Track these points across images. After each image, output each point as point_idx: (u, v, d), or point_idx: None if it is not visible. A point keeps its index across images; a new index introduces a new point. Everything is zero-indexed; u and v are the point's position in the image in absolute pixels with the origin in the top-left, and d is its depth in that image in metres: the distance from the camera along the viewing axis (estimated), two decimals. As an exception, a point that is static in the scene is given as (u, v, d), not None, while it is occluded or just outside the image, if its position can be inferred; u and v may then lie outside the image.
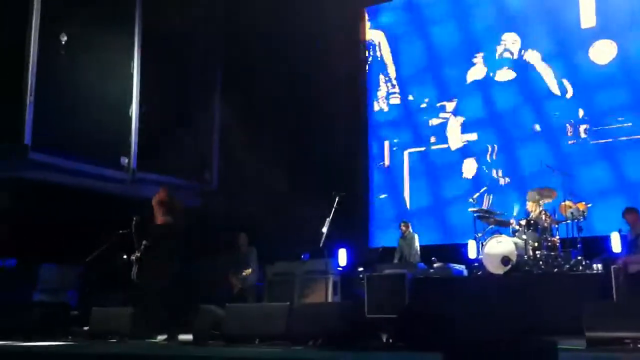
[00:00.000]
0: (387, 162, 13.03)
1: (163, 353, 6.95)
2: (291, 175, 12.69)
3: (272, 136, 13.10)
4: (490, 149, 12.09)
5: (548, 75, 11.72)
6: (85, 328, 8.58)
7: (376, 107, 13.32)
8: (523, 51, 11.99)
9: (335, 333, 6.92)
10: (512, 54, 12.09)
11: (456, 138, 12.40)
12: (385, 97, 13.20)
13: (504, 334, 5.19)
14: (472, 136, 12.27)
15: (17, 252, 9.90)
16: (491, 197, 11.53)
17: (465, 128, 12.38)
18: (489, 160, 12.10)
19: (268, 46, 12.80)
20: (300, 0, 12.52)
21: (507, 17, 12.28)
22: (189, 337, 7.96)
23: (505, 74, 12.14)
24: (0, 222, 9.88)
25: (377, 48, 13.44)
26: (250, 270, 10.34)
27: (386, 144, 13.07)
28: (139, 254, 7.94)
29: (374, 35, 13.51)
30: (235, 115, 13.34)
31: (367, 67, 13.46)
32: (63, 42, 11.12)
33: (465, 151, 12.32)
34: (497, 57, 12.23)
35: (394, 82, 13.15)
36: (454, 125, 12.44)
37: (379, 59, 13.36)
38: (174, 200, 8.21)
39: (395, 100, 13.10)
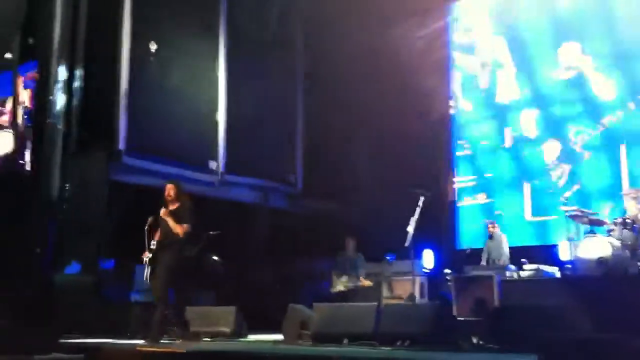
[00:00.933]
0: (507, 143, 12.85)
1: (253, 350, 7.07)
2: (377, 174, 12.63)
3: (357, 136, 13.11)
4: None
5: None
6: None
7: (497, 99, 13.17)
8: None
9: (424, 334, 6.86)
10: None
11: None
12: (504, 91, 13.07)
13: (602, 335, 5.02)
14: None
15: (115, 253, 10.29)
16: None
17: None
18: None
19: (353, 45, 12.70)
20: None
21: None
22: (279, 336, 8.07)
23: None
24: (99, 224, 10.29)
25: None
26: (369, 282, 10.42)
27: (506, 130, 12.88)
28: (150, 256, 7.89)
29: (495, 40, 13.34)
30: (319, 117, 13.42)
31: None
32: (153, 50, 11.50)
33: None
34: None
35: (512, 77, 12.98)
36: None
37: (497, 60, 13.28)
38: (184, 199, 8.04)
39: (514, 95, 12.91)
